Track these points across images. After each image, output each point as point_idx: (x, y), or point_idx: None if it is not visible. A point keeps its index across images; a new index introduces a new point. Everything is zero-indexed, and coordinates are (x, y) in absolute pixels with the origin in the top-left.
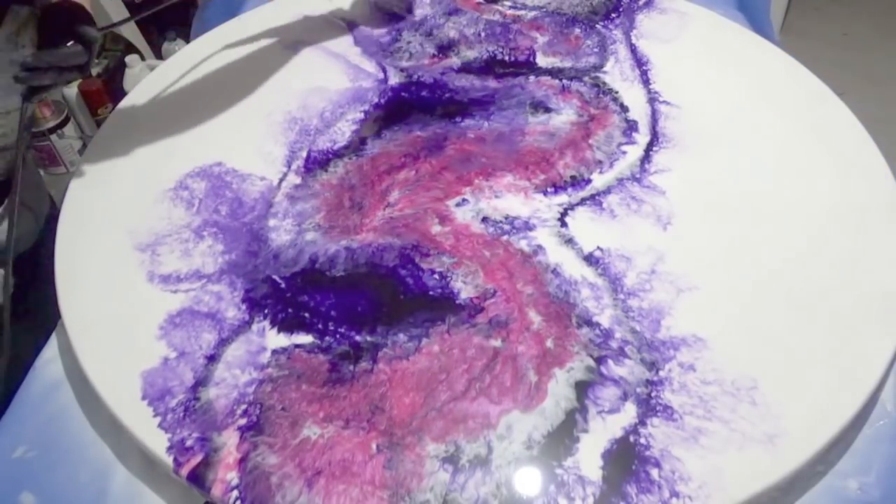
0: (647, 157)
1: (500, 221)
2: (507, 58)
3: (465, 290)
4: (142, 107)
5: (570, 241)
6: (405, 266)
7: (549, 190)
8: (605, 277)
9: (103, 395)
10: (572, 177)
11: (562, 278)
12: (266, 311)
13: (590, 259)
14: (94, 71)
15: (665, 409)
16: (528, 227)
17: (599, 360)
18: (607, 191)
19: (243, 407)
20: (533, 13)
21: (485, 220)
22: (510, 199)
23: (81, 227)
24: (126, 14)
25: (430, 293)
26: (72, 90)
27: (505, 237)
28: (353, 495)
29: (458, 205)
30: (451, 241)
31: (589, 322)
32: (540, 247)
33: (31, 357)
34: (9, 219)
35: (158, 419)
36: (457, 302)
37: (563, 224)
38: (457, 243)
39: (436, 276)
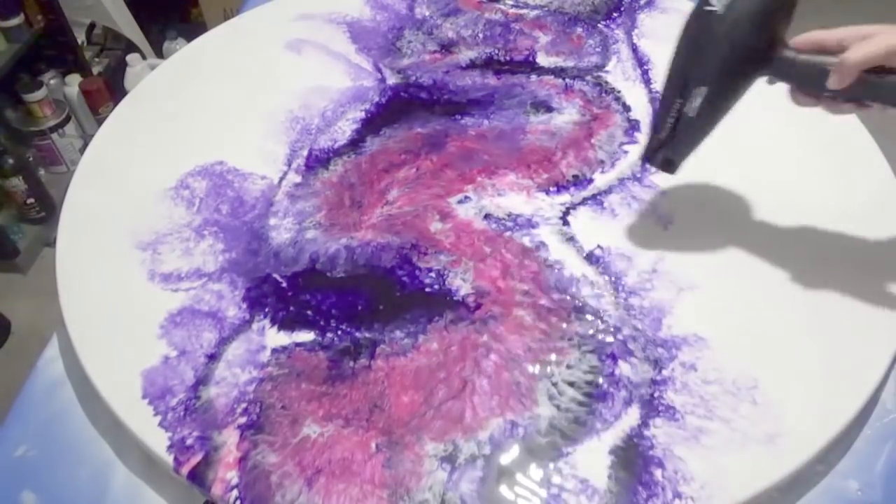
0: None
1: (503, 219)
2: (508, 57)
3: (463, 287)
4: (143, 106)
5: (571, 240)
6: (402, 266)
7: (551, 189)
8: (606, 276)
9: (104, 393)
10: (574, 176)
11: (563, 276)
12: (266, 309)
13: (591, 258)
14: (96, 70)
15: (667, 409)
16: (530, 224)
17: (601, 359)
18: (609, 190)
19: (243, 405)
20: (535, 12)
21: (487, 217)
22: (513, 197)
23: (82, 226)
24: (127, 14)
25: (427, 290)
26: (73, 89)
27: (507, 234)
28: (353, 494)
29: (460, 202)
30: (452, 238)
31: (590, 321)
32: (542, 244)
33: None
34: None
35: (159, 418)
36: (454, 299)
37: (566, 223)
38: (457, 241)
39: (433, 273)
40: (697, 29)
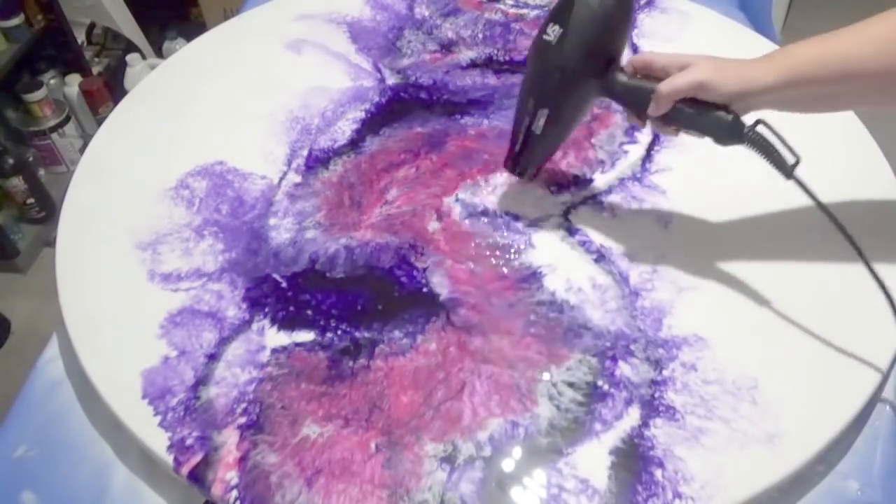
0: (648, 156)
1: (500, 218)
2: (508, 57)
3: (444, 292)
4: (143, 105)
5: (571, 240)
6: (401, 266)
7: (552, 188)
8: (608, 276)
9: (104, 394)
10: (575, 176)
11: (562, 277)
12: (266, 309)
13: (593, 258)
14: (96, 70)
15: (668, 410)
16: (530, 224)
17: (601, 360)
18: (609, 190)
19: (243, 405)
20: (535, 12)
21: (484, 215)
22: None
23: (82, 226)
24: (127, 14)
25: (424, 290)
26: (73, 89)
27: (505, 233)
28: (353, 494)
29: (457, 201)
30: (446, 238)
31: (591, 321)
32: (542, 244)
33: None
34: None
35: (159, 418)
36: (448, 299)
37: (566, 222)
38: (452, 241)
39: (427, 274)
40: (536, 56)
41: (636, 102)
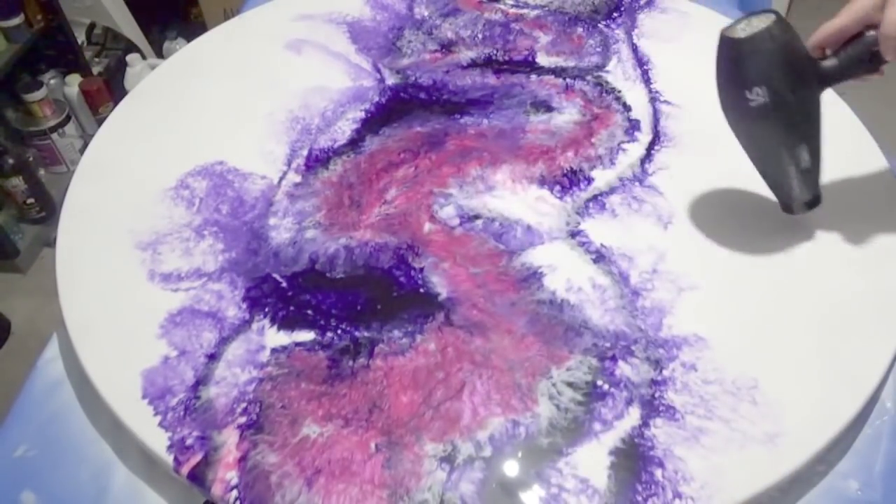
0: (648, 156)
1: (496, 219)
2: (508, 57)
3: (443, 292)
4: (143, 105)
5: (571, 240)
6: (399, 266)
7: (551, 189)
8: (608, 276)
9: (104, 393)
10: (575, 176)
11: (562, 277)
12: (266, 309)
13: (592, 258)
14: (96, 70)
15: (668, 410)
16: (530, 225)
17: (602, 360)
18: (609, 190)
19: (243, 405)
20: (535, 12)
21: (478, 217)
22: (511, 196)
23: (82, 226)
24: (127, 14)
25: (421, 290)
26: (73, 89)
27: (502, 232)
28: (353, 494)
29: (451, 204)
30: (443, 238)
31: (591, 321)
32: (541, 244)
33: None
34: None
35: (159, 418)
36: (441, 300)
37: (566, 223)
38: (448, 242)
39: (424, 274)
40: (761, 123)
41: (862, 69)
